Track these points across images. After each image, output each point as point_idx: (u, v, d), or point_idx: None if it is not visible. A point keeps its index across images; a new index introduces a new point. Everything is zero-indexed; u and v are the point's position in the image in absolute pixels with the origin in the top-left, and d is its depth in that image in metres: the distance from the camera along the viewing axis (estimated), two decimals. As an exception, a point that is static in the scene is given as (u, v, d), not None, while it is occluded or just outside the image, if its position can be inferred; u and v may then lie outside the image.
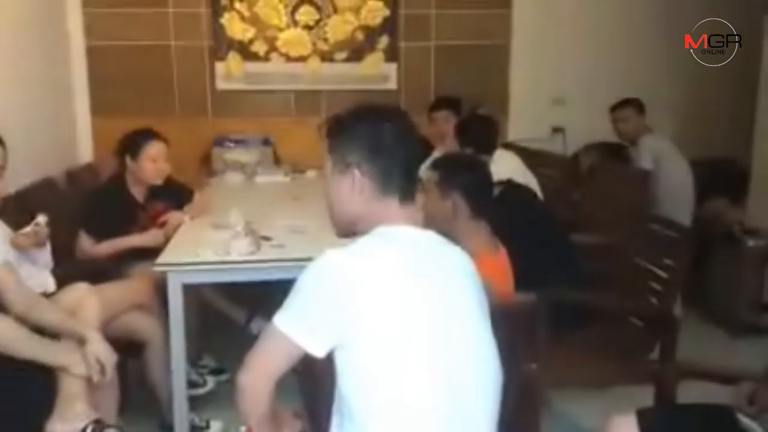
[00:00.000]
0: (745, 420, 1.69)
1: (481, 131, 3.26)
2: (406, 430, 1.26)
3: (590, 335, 2.48)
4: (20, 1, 3.63)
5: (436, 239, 1.41)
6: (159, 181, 3.05)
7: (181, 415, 2.51)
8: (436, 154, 3.72)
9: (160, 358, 2.53)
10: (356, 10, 4.61)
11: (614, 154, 4.37)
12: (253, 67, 4.58)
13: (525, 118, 4.86)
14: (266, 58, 4.59)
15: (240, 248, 2.45)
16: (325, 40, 4.63)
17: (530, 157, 3.77)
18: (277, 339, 1.28)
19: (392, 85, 4.72)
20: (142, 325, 2.55)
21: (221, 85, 4.59)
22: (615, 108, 4.05)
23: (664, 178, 3.76)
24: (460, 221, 2.08)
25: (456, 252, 1.42)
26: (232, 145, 4.42)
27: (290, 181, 4.10)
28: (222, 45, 4.54)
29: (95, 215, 2.95)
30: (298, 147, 4.33)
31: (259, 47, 4.57)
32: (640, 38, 4.81)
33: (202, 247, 2.53)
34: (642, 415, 1.71)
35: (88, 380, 2.02)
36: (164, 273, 2.43)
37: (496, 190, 2.38)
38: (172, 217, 2.98)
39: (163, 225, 2.96)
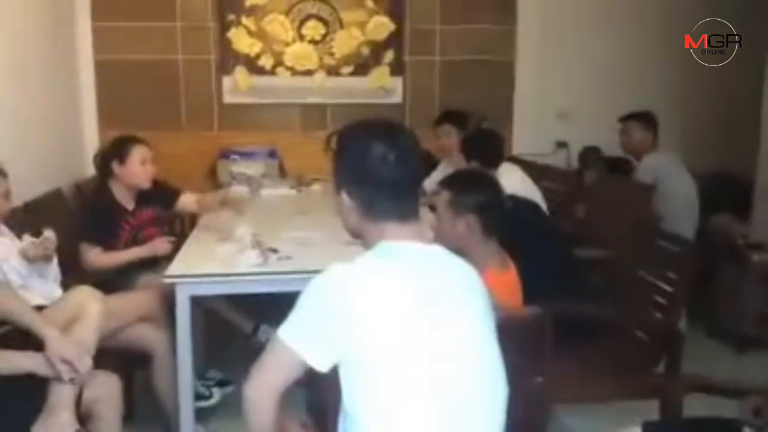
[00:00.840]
0: (751, 434, 1.69)
1: (487, 145, 3.27)
2: None
3: (595, 349, 2.47)
4: (30, 15, 3.67)
5: (441, 253, 1.39)
6: (148, 184, 3.05)
7: (187, 427, 2.50)
8: (442, 167, 3.76)
9: (166, 370, 2.53)
10: (362, 25, 4.66)
11: (617, 168, 4.36)
12: (259, 80, 4.63)
13: (529, 133, 4.88)
14: (273, 72, 4.64)
15: (247, 260, 2.46)
16: (332, 54, 4.67)
17: (534, 171, 3.78)
18: (281, 351, 1.29)
19: (397, 99, 4.76)
20: (149, 336, 2.56)
21: (228, 98, 4.63)
22: (621, 120, 4.02)
23: (666, 195, 3.75)
24: (472, 239, 2.08)
25: (462, 266, 1.41)
26: (238, 157, 4.44)
27: (296, 194, 4.11)
28: (229, 59, 4.59)
29: (87, 223, 2.96)
30: (304, 160, 4.37)
31: (266, 61, 4.62)
32: (644, 53, 4.84)
33: (210, 260, 2.55)
34: (648, 429, 1.72)
35: (79, 388, 1.99)
36: (171, 284, 2.43)
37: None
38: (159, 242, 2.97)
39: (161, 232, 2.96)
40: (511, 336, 1.44)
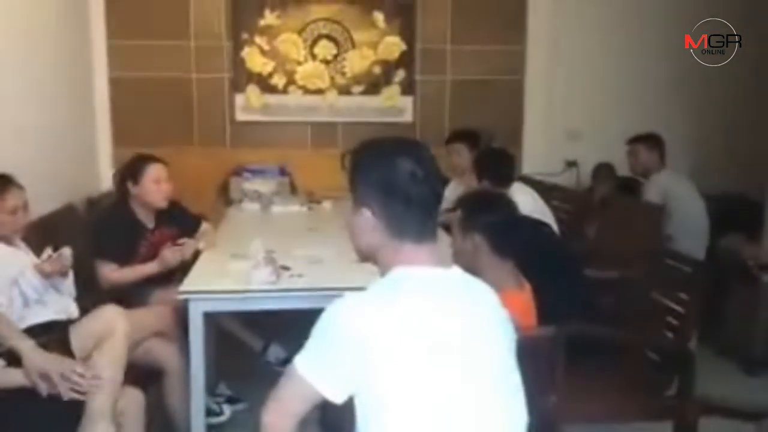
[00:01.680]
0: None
1: (498, 164, 3.29)
2: None
3: (607, 369, 2.47)
4: (47, 32, 3.73)
5: (459, 277, 1.37)
6: (164, 204, 3.04)
7: (198, 443, 2.51)
8: (453, 186, 3.77)
9: (179, 386, 2.54)
10: (374, 45, 4.71)
11: (627, 186, 4.38)
12: (271, 99, 4.68)
13: (538, 152, 4.91)
14: (285, 91, 4.69)
15: (260, 278, 2.47)
16: (343, 73, 4.72)
17: (544, 190, 3.79)
18: (297, 382, 1.29)
19: (408, 117, 4.80)
20: (163, 352, 2.57)
21: (240, 116, 4.68)
22: (627, 142, 4.08)
23: (676, 215, 3.76)
24: (482, 259, 2.10)
25: (481, 288, 1.39)
26: (249, 175, 4.48)
27: (306, 211, 4.14)
28: (242, 77, 4.64)
29: (105, 240, 2.94)
30: (315, 178, 4.41)
31: (278, 80, 4.67)
32: (654, 73, 4.86)
33: (223, 276, 2.56)
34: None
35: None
36: (184, 300, 2.45)
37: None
38: (188, 245, 2.98)
39: (175, 244, 2.96)
40: (525, 356, 1.45)
